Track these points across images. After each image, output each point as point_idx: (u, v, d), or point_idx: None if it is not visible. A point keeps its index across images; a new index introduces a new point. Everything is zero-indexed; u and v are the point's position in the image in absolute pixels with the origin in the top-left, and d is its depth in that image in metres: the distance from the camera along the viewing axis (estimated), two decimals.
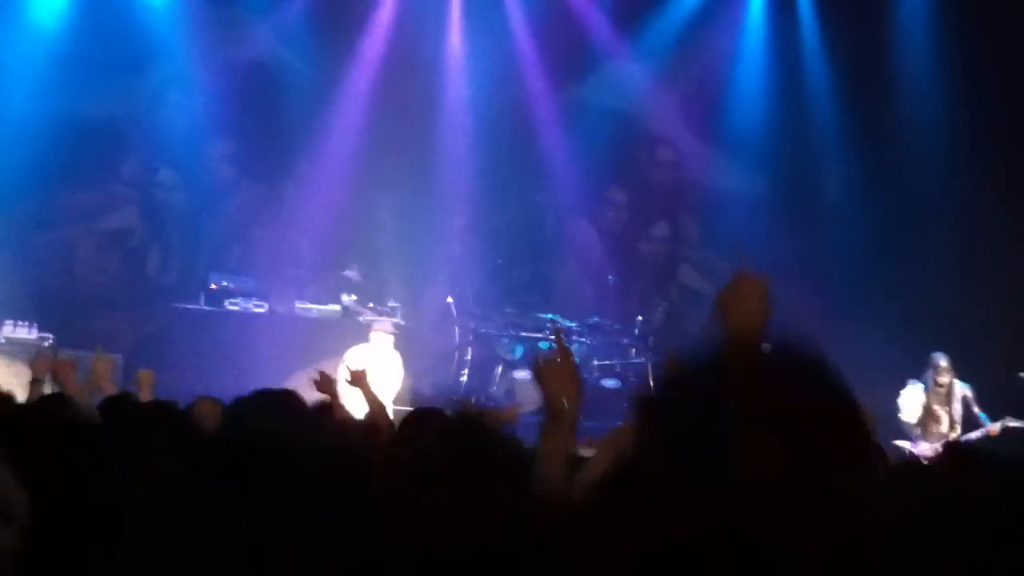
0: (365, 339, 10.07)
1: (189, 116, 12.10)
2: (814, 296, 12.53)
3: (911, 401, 9.33)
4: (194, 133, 12.07)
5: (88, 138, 11.63)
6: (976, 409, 9.13)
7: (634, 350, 11.61)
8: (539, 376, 2.51)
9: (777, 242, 12.61)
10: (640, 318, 11.77)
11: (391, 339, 9.90)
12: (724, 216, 12.61)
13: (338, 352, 9.79)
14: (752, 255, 12.39)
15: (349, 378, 4.94)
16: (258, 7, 12.20)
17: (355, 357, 9.73)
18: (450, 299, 11.60)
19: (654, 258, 12.80)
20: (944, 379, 9.27)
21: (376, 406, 3.44)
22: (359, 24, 12.20)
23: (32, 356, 5.05)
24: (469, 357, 11.48)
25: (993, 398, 9.47)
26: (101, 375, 4.79)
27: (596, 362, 11.41)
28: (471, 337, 11.57)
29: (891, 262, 12.10)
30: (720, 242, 12.60)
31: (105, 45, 11.51)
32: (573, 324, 11.59)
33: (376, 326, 10.12)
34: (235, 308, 11.14)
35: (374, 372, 8.98)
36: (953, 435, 8.70)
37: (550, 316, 11.61)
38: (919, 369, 9.58)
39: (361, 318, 11.00)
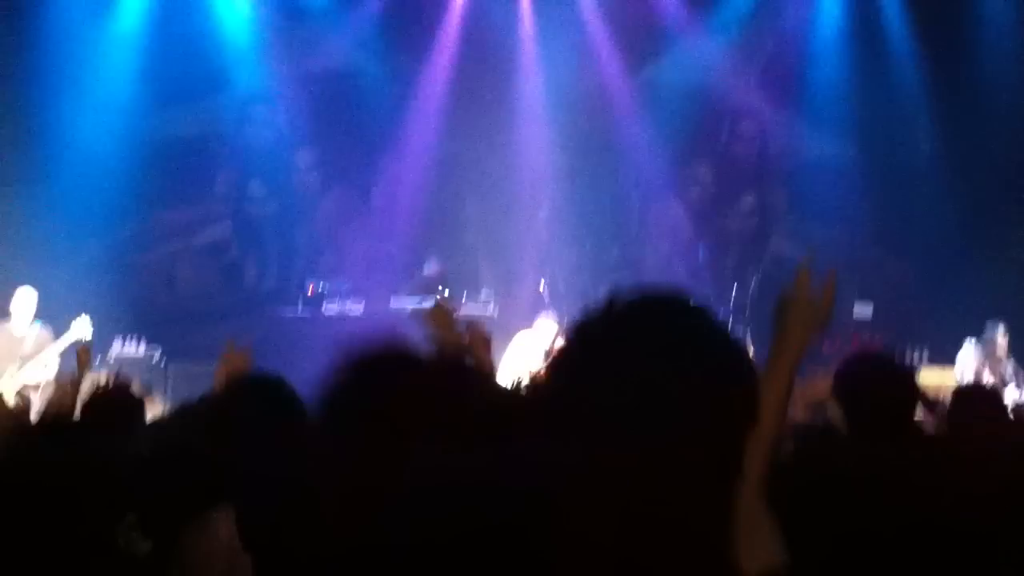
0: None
1: (274, 129, 12.41)
2: (906, 260, 12.28)
3: (963, 360, 9.61)
4: (280, 145, 12.37)
5: (180, 157, 12.00)
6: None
7: (731, 321, 11.50)
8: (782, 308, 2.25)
9: (868, 207, 12.39)
10: (736, 286, 11.63)
11: (555, 328, 9.53)
12: (813, 184, 12.44)
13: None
14: (843, 222, 12.25)
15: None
16: (330, 17, 12.41)
17: (521, 342, 9.61)
18: (542, 286, 11.63)
19: (743, 232, 12.66)
20: (1000, 348, 9.59)
21: (487, 368, 3.46)
22: (431, 23, 12.32)
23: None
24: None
25: None
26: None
27: None
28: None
29: (984, 223, 11.77)
30: (810, 210, 12.42)
31: (188, 67, 11.85)
32: None
33: (543, 315, 9.95)
34: (332, 311, 11.36)
35: (532, 358, 8.91)
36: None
37: None
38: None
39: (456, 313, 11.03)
